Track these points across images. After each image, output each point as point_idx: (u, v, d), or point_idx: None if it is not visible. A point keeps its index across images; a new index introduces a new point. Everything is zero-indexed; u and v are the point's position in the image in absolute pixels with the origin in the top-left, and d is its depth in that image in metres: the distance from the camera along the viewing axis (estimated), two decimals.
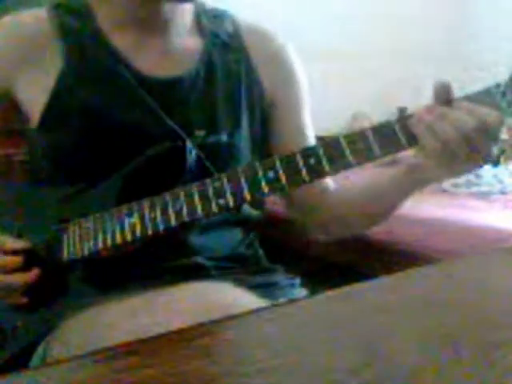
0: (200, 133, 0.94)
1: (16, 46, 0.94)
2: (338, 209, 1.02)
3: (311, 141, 1.04)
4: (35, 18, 0.96)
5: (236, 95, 0.99)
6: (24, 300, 0.87)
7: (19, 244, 0.88)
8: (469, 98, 0.76)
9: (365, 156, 0.78)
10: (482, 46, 3.08)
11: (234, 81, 0.99)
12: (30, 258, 0.88)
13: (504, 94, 0.75)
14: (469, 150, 0.76)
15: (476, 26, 3.25)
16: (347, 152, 0.77)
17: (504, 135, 3.30)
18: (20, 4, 1.03)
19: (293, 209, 1.07)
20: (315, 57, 2.47)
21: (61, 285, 0.89)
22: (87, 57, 0.93)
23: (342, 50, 2.90)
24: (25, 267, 0.87)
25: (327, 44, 2.83)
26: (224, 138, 0.96)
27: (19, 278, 0.86)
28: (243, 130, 0.98)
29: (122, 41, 0.95)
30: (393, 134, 0.77)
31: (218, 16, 1.04)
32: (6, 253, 0.87)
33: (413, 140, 0.77)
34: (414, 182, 0.89)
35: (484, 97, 0.76)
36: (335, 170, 0.79)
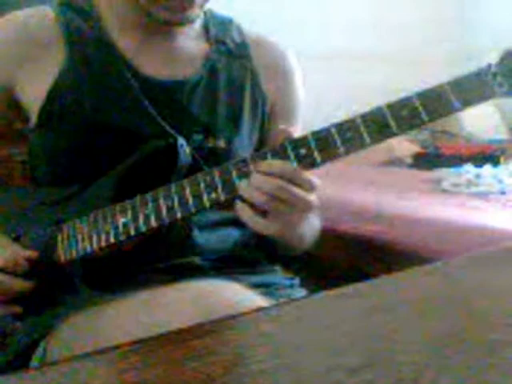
0: (198, 137, 0.94)
1: (20, 43, 0.94)
2: None
3: None
4: (41, 16, 0.96)
5: (238, 103, 0.99)
6: (17, 309, 0.87)
7: (28, 252, 0.89)
8: (460, 81, 0.76)
9: (355, 144, 0.77)
10: (482, 45, 3.08)
11: (237, 88, 0.99)
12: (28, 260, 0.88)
13: (495, 74, 0.75)
14: (283, 206, 0.77)
15: (475, 25, 3.26)
16: (338, 141, 0.77)
17: (504, 135, 3.30)
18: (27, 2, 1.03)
19: None
20: (317, 58, 2.47)
21: (59, 285, 0.89)
22: (89, 56, 0.93)
23: (343, 51, 2.90)
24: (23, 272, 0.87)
25: (329, 45, 2.84)
26: (221, 143, 0.96)
27: (16, 282, 0.86)
28: (243, 138, 0.99)
29: (126, 42, 0.95)
30: (383, 121, 0.77)
31: (225, 24, 1.04)
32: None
33: (403, 125, 0.77)
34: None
35: (475, 78, 0.76)
36: (326, 160, 0.78)
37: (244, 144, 0.99)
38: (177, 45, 0.98)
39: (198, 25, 1.00)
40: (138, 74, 0.94)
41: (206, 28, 1.02)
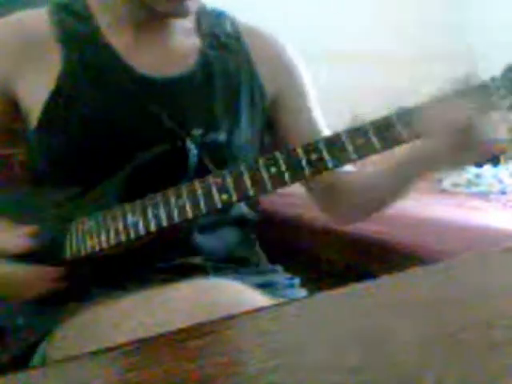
0: (198, 131, 0.94)
1: (17, 45, 0.94)
2: (351, 193, 1.05)
3: (324, 130, 1.05)
4: (36, 18, 0.96)
5: (235, 95, 0.99)
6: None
7: (25, 228, 0.88)
8: (465, 92, 0.77)
9: (366, 150, 0.78)
10: (483, 43, 3.08)
11: (232, 81, 0.99)
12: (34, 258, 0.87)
13: (498, 88, 0.75)
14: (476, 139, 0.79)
15: (475, 24, 3.26)
16: (349, 147, 0.78)
17: (505, 135, 3.30)
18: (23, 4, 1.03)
19: (311, 194, 1.10)
20: (316, 58, 2.46)
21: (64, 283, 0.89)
22: (86, 57, 0.94)
23: (342, 51, 2.90)
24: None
25: (329, 45, 2.83)
26: (222, 136, 0.96)
27: (25, 269, 0.85)
28: (242, 130, 0.99)
29: (120, 41, 0.95)
30: (393, 128, 0.78)
31: (217, 17, 1.04)
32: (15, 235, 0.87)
33: (414, 133, 0.78)
34: (420, 162, 0.90)
35: (479, 91, 0.76)
36: (337, 165, 0.79)
37: (244, 136, 0.99)
38: (170, 41, 0.98)
39: (190, 20, 1.00)
40: (134, 72, 0.94)
41: (198, 22, 1.02)
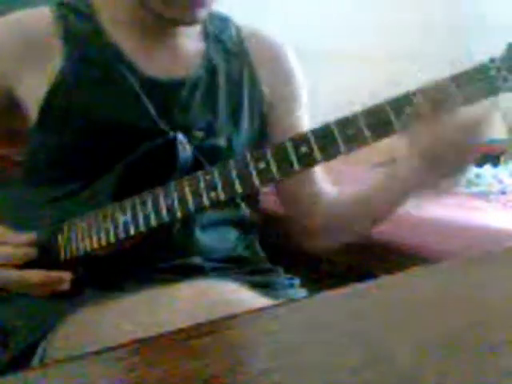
0: (198, 136, 0.94)
1: (20, 44, 0.94)
2: (330, 215, 1.03)
3: None
4: (36, 17, 0.96)
5: (237, 100, 0.99)
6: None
7: (23, 236, 0.88)
8: (462, 76, 0.75)
9: (356, 141, 0.77)
10: (482, 43, 3.07)
11: (235, 86, 1.00)
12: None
13: (499, 69, 0.75)
14: (457, 152, 0.78)
15: (474, 23, 3.26)
16: (338, 139, 0.77)
17: (504, 135, 3.30)
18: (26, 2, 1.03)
19: (289, 214, 1.08)
20: (315, 57, 2.47)
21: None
22: (88, 56, 0.94)
23: (341, 50, 2.90)
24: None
25: (328, 44, 2.83)
26: (222, 142, 0.96)
27: (36, 274, 0.85)
28: (242, 135, 0.99)
29: (125, 41, 0.95)
30: (385, 117, 0.76)
31: (222, 21, 1.04)
32: (15, 246, 0.86)
33: (405, 121, 0.76)
34: (400, 184, 0.90)
35: (478, 73, 0.75)
36: (327, 158, 0.78)
37: (243, 142, 0.99)
38: (176, 43, 0.98)
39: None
40: (138, 73, 0.94)
41: (203, 26, 1.02)
